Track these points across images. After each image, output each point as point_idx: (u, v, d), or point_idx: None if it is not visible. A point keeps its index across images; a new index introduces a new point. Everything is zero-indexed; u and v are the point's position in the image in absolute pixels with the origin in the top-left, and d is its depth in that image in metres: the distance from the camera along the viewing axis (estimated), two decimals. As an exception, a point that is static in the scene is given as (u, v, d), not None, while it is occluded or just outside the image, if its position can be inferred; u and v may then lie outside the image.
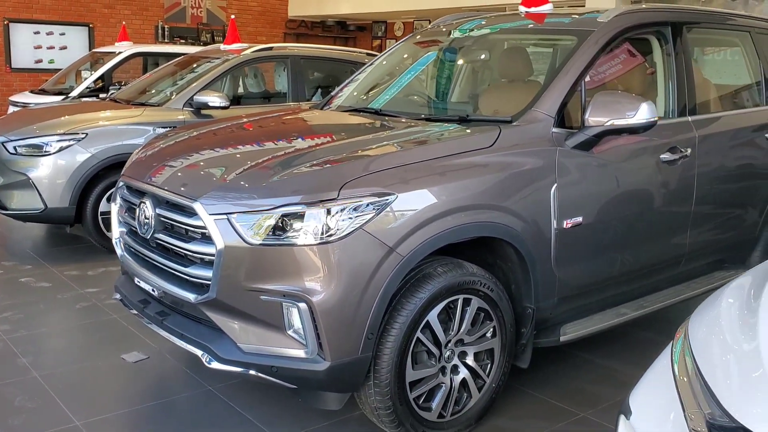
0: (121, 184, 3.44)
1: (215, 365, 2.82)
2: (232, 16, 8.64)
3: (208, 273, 2.76)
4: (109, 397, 3.47)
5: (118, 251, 3.45)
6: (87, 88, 8.69)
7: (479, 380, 3.10)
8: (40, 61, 13.23)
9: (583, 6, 9.80)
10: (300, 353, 2.69)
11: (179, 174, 3.13)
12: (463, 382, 3.04)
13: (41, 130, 5.72)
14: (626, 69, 3.87)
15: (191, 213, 2.83)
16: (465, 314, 2.98)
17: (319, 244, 2.61)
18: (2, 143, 5.70)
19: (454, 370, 3.02)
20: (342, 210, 2.62)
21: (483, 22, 4.25)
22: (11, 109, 8.73)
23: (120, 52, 9.22)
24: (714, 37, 4.77)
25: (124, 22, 11.76)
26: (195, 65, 6.97)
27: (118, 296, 3.51)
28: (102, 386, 3.58)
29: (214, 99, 6.05)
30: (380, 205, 2.67)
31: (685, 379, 1.62)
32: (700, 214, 3.86)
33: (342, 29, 17.19)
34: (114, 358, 3.86)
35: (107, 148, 5.67)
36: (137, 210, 3.18)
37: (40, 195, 5.58)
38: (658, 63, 3.89)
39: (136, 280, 3.29)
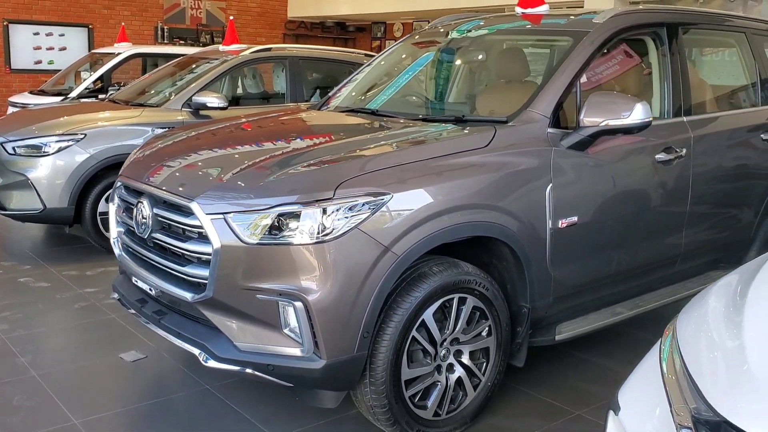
0: (118, 184, 3.46)
1: (212, 364, 2.84)
2: (231, 17, 8.66)
3: (204, 272, 2.78)
4: (107, 395, 3.49)
5: (116, 251, 3.47)
6: (86, 88, 8.72)
7: (475, 379, 3.12)
8: (39, 62, 13.25)
9: (582, 7, 9.82)
10: (296, 352, 2.71)
11: (176, 174, 3.15)
12: (459, 380, 3.06)
13: (40, 130, 5.74)
14: (623, 70, 3.89)
15: (188, 213, 2.85)
16: (460, 313, 3.00)
17: (315, 243, 2.63)
18: (1, 144, 5.72)
19: (450, 368, 3.04)
20: (337, 209, 2.64)
21: (481, 23, 4.27)
22: (10, 110, 8.75)
23: (119, 53, 9.25)
24: (710, 37, 4.79)
25: (123, 23, 11.78)
26: (194, 66, 6.99)
27: (116, 296, 3.53)
28: (100, 385, 3.60)
29: (212, 100, 6.07)
30: (375, 205, 2.69)
31: (673, 377, 1.65)
32: (695, 214, 3.88)
33: (341, 30, 17.22)
34: (112, 358, 3.87)
35: (106, 149, 5.69)
36: (135, 210, 3.20)
37: (39, 195, 5.59)
38: (654, 64, 3.91)
39: (134, 279, 3.31)
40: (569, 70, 3.37)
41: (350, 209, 2.65)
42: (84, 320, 4.47)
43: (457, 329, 3.00)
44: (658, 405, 1.64)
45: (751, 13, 9.70)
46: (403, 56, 4.61)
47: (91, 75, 9.03)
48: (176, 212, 2.94)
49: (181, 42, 14.15)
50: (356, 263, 2.67)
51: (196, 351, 2.91)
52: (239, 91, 7.60)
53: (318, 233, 2.63)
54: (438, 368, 2.99)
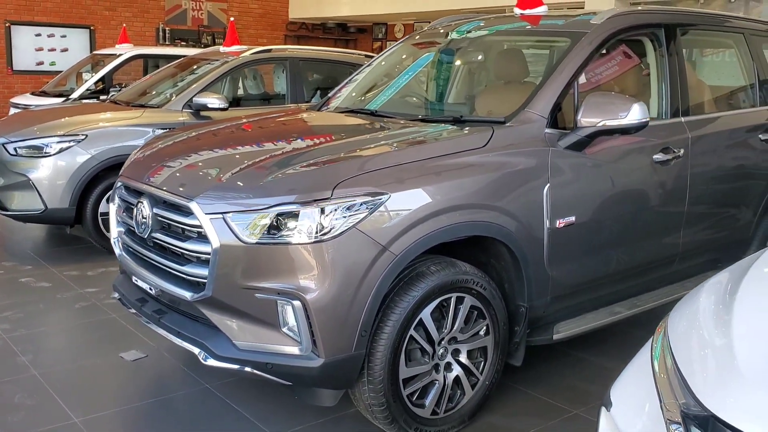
0: (119, 184, 3.48)
1: (211, 362, 2.86)
2: (232, 19, 8.69)
3: (204, 271, 2.80)
4: (108, 394, 3.51)
5: (117, 251, 3.49)
6: (88, 89, 8.74)
7: (472, 378, 3.13)
8: (41, 63, 13.30)
9: (582, 8, 9.84)
10: (294, 350, 2.73)
11: (176, 174, 3.17)
12: (457, 379, 3.08)
13: (41, 131, 5.76)
14: (622, 70, 3.91)
15: (187, 212, 2.87)
16: (458, 312, 3.01)
17: (313, 242, 2.65)
18: (3, 144, 5.75)
19: (448, 367, 3.05)
20: (335, 209, 2.66)
21: (481, 24, 4.29)
22: (12, 111, 8.78)
23: (120, 54, 9.27)
24: (708, 38, 4.81)
25: (124, 25, 11.82)
26: (195, 67, 7.01)
27: (116, 295, 3.55)
28: (100, 384, 3.62)
29: (213, 101, 6.09)
30: (373, 205, 2.71)
31: (664, 376, 1.67)
32: (693, 214, 3.89)
33: (343, 31, 17.26)
34: (113, 357, 3.90)
35: (107, 150, 5.72)
36: (135, 210, 3.22)
37: (40, 196, 5.62)
38: (652, 64, 3.92)
39: (134, 279, 3.33)
40: (567, 71, 3.39)
41: (348, 209, 2.67)
42: (85, 320, 4.49)
43: (454, 328, 3.02)
44: (649, 401, 1.67)
45: (752, 13, 9.71)
46: (403, 57, 4.63)
47: (92, 76, 9.06)
48: (176, 212, 2.96)
49: (182, 43, 14.17)
50: (354, 263, 2.68)
51: (195, 350, 2.93)
52: (240, 92, 7.63)
53: (316, 233, 2.65)
54: (436, 367, 3.01)
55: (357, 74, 4.60)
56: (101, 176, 5.74)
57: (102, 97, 8.10)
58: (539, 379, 3.65)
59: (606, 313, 3.64)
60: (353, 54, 8.14)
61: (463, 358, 3.09)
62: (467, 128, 3.28)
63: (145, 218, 3.13)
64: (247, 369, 2.81)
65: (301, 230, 2.66)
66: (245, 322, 2.81)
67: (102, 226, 5.79)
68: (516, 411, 3.36)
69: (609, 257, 3.55)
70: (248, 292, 2.72)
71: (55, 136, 5.68)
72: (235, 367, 2.84)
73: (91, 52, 12.67)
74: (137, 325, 4.11)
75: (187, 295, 2.88)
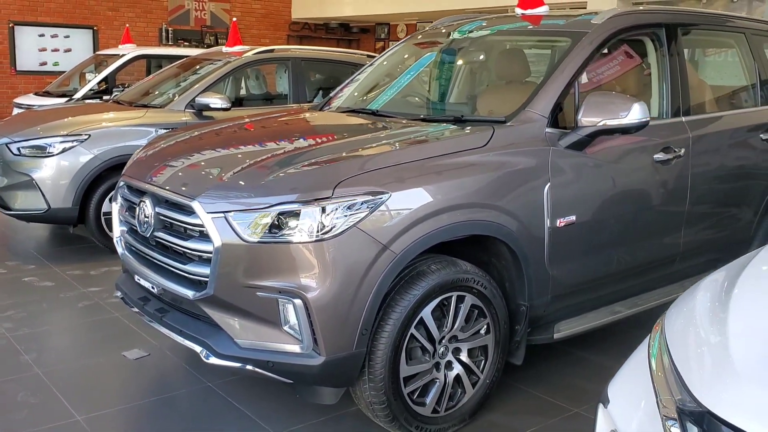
0: (121, 183, 3.50)
1: (213, 360, 2.87)
2: (234, 19, 8.71)
3: (206, 270, 2.82)
4: (111, 393, 3.53)
5: (119, 250, 3.51)
6: (91, 90, 8.78)
7: (473, 376, 3.15)
8: (44, 63, 13.34)
9: (585, 8, 9.85)
10: (295, 348, 2.74)
11: (179, 173, 3.19)
12: (457, 377, 3.09)
13: (45, 131, 5.79)
14: (623, 70, 3.92)
15: (189, 211, 2.88)
16: (459, 311, 3.02)
17: (314, 241, 2.66)
18: (6, 144, 5.77)
19: (448, 366, 3.07)
20: (336, 208, 2.67)
21: (483, 24, 4.30)
22: (16, 111, 8.82)
23: (124, 55, 9.30)
24: (709, 38, 4.81)
25: (127, 25, 11.84)
26: (197, 67, 7.04)
27: (119, 294, 3.57)
28: (103, 383, 3.64)
29: (215, 101, 6.11)
30: (374, 204, 2.72)
31: (661, 374, 1.69)
32: (694, 213, 3.90)
33: (345, 31, 17.28)
34: (115, 356, 3.92)
35: (110, 149, 5.73)
36: (137, 209, 3.24)
37: (43, 195, 5.64)
38: (653, 64, 3.93)
39: (137, 277, 3.35)
40: (567, 71, 3.40)
41: (349, 208, 2.69)
42: (87, 319, 4.51)
43: (455, 327, 3.03)
44: (646, 398, 1.68)
45: (755, 13, 9.71)
46: (405, 57, 4.64)
47: (95, 76, 9.10)
48: (178, 211, 2.98)
49: (185, 44, 14.21)
50: (355, 261, 2.70)
51: (197, 348, 2.95)
52: (242, 92, 7.65)
53: (317, 232, 2.66)
54: (437, 365, 3.02)
55: (359, 74, 4.61)
56: (104, 176, 5.75)
57: (105, 98, 8.13)
58: (540, 378, 3.66)
59: (606, 313, 3.65)
60: (355, 54, 8.15)
61: (463, 356, 3.10)
62: (468, 128, 3.29)
63: (148, 217, 3.14)
64: (249, 367, 2.83)
65: (302, 229, 2.67)
66: (247, 320, 2.82)
67: (105, 226, 5.82)
68: (516, 409, 3.37)
69: (609, 257, 3.56)
70: (250, 290, 2.74)
71: (58, 136, 5.71)
72: (237, 365, 2.85)
73: (94, 52, 12.71)
74: (140, 323, 4.13)
75: (189, 293, 2.89)
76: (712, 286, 1.92)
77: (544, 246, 3.20)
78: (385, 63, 4.65)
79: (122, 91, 7.75)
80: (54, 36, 13.37)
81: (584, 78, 3.64)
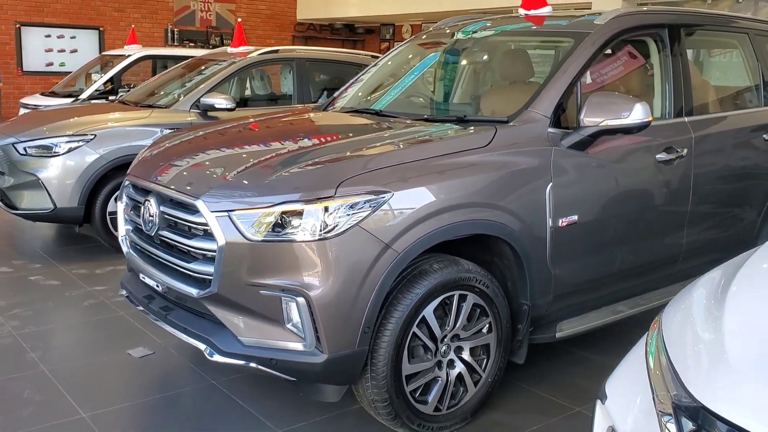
0: (127, 182, 3.53)
1: (217, 358, 2.90)
2: (239, 19, 8.74)
3: (209, 268, 2.84)
4: (115, 390, 3.56)
5: (124, 248, 3.54)
6: (96, 90, 8.82)
7: (475, 375, 3.16)
8: (51, 64, 13.42)
9: (589, 8, 9.85)
10: (298, 346, 2.77)
11: (183, 173, 3.21)
12: (459, 376, 3.11)
13: (51, 131, 5.82)
14: (627, 71, 3.93)
15: (194, 210, 2.91)
16: (461, 310, 3.04)
17: (317, 240, 2.69)
18: (12, 144, 5.80)
19: (451, 364, 3.08)
20: (339, 207, 2.69)
21: (487, 24, 4.31)
22: (22, 111, 8.86)
23: (129, 55, 9.34)
24: (712, 38, 4.81)
25: (133, 26, 11.90)
26: (202, 68, 7.07)
27: (124, 293, 3.59)
28: (108, 380, 3.67)
29: (220, 101, 6.14)
30: (376, 203, 2.74)
31: (658, 372, 1.71)
32: (696, 213, 3.90)
33: (350, 32, 17.32)
34: (120, 354, 3.94)
35: (115, 149, 5.76)
36: (142, 208, 3.26)
37: (49, 195, 5.67)
38: (656, 64, 3.94)
39: (142, 276, 3.37)
40: (570, 71, 3.41)
41: (351, 207, 2.70)
42: (93, 317, 4.55)
43: (457, 326, 3.05)
44: (642, 394, 1.70)
45: (761, 14, 9.70)
46: (409, 57, 4.66)
47: (101, 77, 9.14)
48: (182, 210, 3.00)
49: (191, 44, 14.26)
50: (357, 260, 2.72)
51: (201, 346, 2.97)
52: (247, 92, 7.68)
53: (320, 230, 2.68)
54: (439, 364, 3.04)
55: (363, 74, 4.63)
56: (109, 176, 5.78)
57: (111, 98, 8.17)
58: (542, 377, 3.68)
59: (608, 312, 3.66)
60: (360, 54, 8.18)
61: (465, 355, 3.12)
62: (471, 128, 3.31)
63: (153, 216, 3.17)
64: (252, 365, 2.85)
65: (305, 228, 2.69)
66: (250, 318, 2.84)
67: (110, 225, 5.84)
68: (518, 408, 3.39)
69: (612, 256, 3.57)
70: (253, 288, 2.76)
71: (64, 135, 5.74)
72: (241, 362, 2.87)
73: (100, 53, 12.77)
74: (144, 322, 4.16)
75: (193, 291, 2.92)
76: (708, 284, 1.94)
77: (546, 245, 3.22)
78: (389, 63, 4.67)
79: (128, 91, 7.79)
80: (60, 37, 13.44)
81: (587, 78, 3.65)
